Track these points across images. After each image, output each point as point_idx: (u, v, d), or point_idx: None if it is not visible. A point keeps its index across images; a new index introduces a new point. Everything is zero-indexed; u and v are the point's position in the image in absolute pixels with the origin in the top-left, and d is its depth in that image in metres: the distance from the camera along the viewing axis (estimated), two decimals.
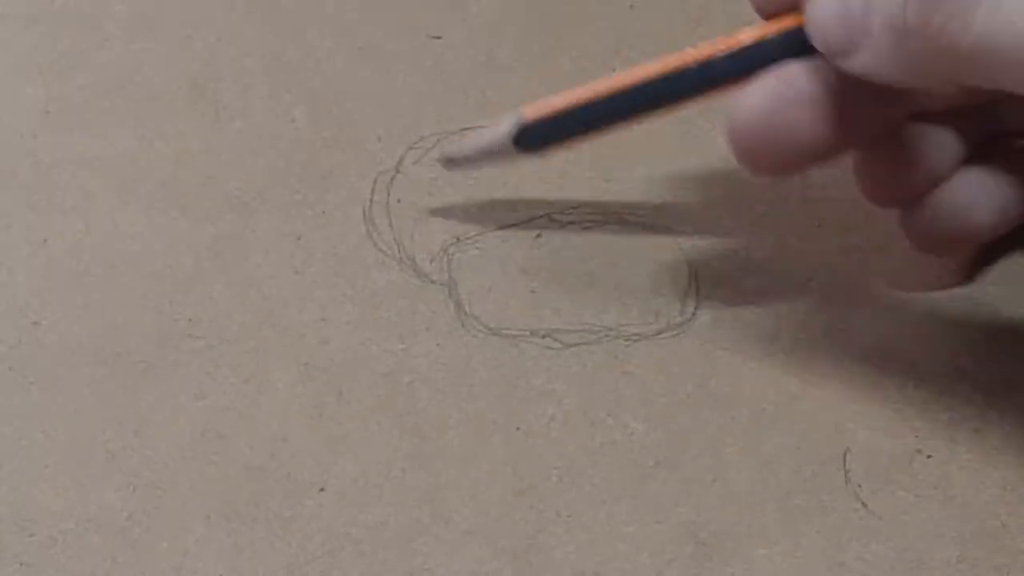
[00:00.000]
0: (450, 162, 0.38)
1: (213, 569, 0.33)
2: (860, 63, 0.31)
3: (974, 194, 0.35)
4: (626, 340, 0.37)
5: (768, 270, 0.38)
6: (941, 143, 0.35)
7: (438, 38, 0.43)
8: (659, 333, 0.37)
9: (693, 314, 0.37)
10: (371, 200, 0.39)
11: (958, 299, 0.37)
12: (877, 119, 0.34)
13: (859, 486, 0.34)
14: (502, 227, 0.39)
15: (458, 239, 0.39)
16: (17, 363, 0.36)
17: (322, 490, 0.34)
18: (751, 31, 0.33)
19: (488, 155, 0.37)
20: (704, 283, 0.38)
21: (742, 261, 0.38)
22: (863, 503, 0.34)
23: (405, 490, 0.34)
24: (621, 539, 0.34)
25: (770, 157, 0.33)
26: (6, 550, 0.33)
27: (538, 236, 0.39)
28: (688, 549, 0.33)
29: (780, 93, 0.32)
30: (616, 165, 0.40)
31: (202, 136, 0.41)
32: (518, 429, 0.35)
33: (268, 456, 0.35)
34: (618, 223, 0.39)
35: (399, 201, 0.39)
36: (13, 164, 0.40)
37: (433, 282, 0.38)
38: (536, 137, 0.36)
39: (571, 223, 0.39)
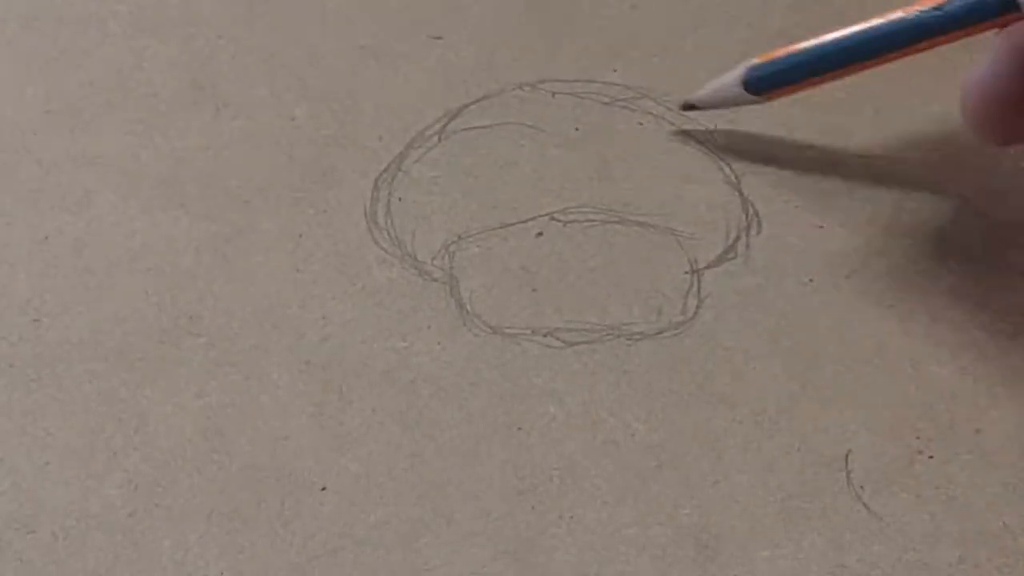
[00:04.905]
0: (688, 106, 0.40)
1: (214, 567, 0.33)
2: None
3: None
4: (628, 339, 0.37)
5: (768, 270, 0.38)
6: None
7: (439, 38, 0.43)
8: (661, 332, 0.37)
9: (695, 313, 0.37)
10: (372, 198, 0.39)
11: (959, 299, 0.37)
12: None
13: (861, 487, 0.34)
14: (503, 225, 0.39)
15: (459, 237, 0.39)
16: (18, 361, 0.36)
17: (323, 489, 0.34)
18: None
19: (721, 97, 0.40)
20: (706, 282, 0.38)
21: (743, 260, 0.38)
22: (865, 504, 0.34)
23: (406, 489, 0.34)
24: (622, 540, 0.34)
25: (998, 128, 0.36)
26: (7, 547, 0.33)
27: (539, 235, 0.39)
28: (689, 551, 0.33)
29: (999, 71, 0.35)
30: (617, 164, 0.40)
31: (203, 134, 0.41)
32: (519, 428, 0.35)
33: (269, 455, 0.35)
34: (620, 222, 0.39)
35: (400, 199, 0.39)
36: (14, 162, 0.40)
37: (434, 280, 0.38)
38: (763, 81, 0.39)
39: (573, 222, 0.39)
